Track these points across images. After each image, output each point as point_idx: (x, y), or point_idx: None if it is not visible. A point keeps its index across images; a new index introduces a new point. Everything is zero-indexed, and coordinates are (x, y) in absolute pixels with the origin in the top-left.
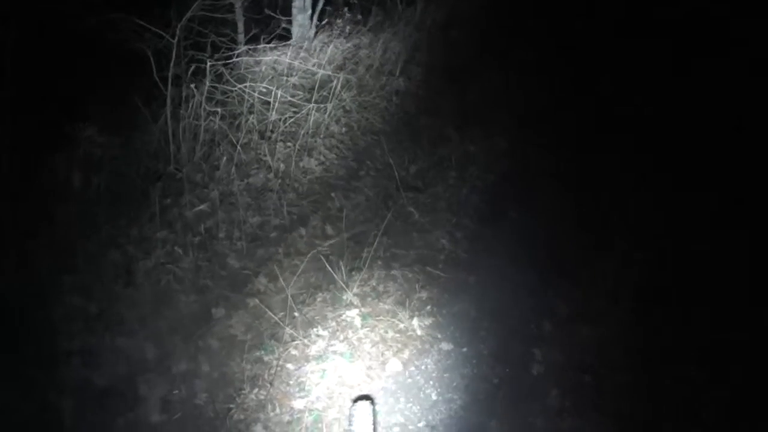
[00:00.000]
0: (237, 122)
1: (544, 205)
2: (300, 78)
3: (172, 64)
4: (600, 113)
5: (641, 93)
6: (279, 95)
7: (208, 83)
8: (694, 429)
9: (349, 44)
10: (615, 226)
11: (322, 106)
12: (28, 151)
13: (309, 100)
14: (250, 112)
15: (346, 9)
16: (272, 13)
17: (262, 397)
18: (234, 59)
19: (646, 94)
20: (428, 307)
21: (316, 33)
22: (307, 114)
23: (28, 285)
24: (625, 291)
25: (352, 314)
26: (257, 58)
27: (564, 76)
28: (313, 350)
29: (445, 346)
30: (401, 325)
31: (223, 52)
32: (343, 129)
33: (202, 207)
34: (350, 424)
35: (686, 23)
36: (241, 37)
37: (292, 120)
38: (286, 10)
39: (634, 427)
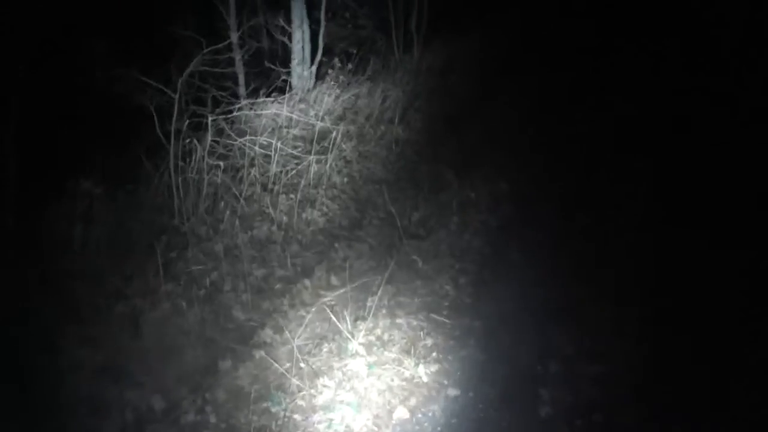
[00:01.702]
0: (239, 175)
1: (546, 246)
2: (300, 129)
3: (174, 119)
4: (602, 154)
5: (644, 130)
6: (279, 147)
7: (210, 138)
8: None
9: (348, 94)
10: (618, 265)
11: (322, 157)
12: (33, 205)
13: (310, 152)
14: (252, 165)
15: (343, 60)
16: (272, 66)
17: None
18: (235, 113)
19: (649, 133)
20: (434, 354)
21: (315, 84)
22: (309, 165)
23: (35, 336)
24: (631, 328)
25: (358, 363)
26: (258, 112)
27: (564, 116)
28: (320, 400)
29: (452, 391)
30: (407, 373)
31: (224, 106)
32: (345, 179)
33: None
34: None
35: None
36: (242, 90)
37: (293, 172)
38: (286, 62)
39: None
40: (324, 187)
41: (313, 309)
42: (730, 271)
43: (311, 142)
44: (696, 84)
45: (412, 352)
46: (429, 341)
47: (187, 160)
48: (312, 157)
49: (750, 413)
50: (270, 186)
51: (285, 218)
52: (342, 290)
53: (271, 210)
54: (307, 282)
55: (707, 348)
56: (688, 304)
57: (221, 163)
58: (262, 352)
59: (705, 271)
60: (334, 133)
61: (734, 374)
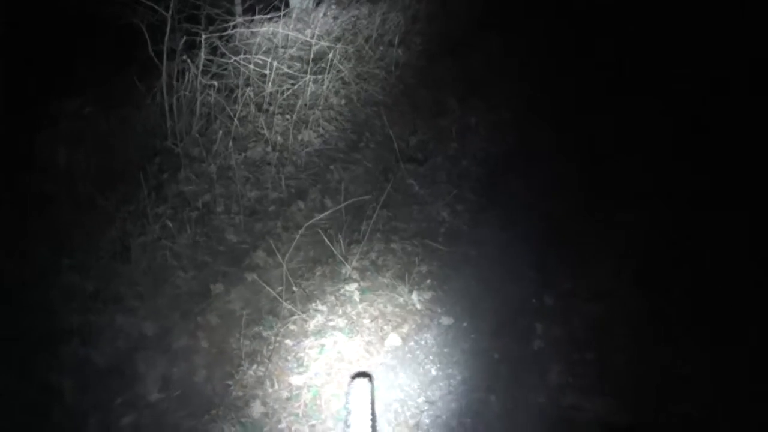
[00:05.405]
0: (234, 95)
1: (546, 176)
2: (297, 49)
3: (166, 38)
4: (604, 81)
5: (646, 57)
6: (276, 67)
7: (203, 56)
8: (697, 408)
9: (347, 15)
10: (619, 199)
11: (319, 77)
12: (20, 129)
13: (306, 72)
14: (247, 85)
15: None
16: None
17: (260, 374)
18: (229, 31)
19: (652, 59)
20: (428, 281)
21: (314, 4)
22: (305, 86)
23: (25, 264)
24: (628, 266)
25: (351, 288)
26: (253, 30)
27: (567, 43)
28: (312, 325)
29: (445, 320)
30: (400, 300)
31: (218, 24)
32: (342, 101)
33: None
34: (347, 403)
35: None
36: (237, 9)
37: (289, 92)
38: None
39: (635, 405)
40: (321, 108)
41: (307, 232)
42: (733, 222)
43: (308, 62)
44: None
45: (406, 278)
46: (423, 268)
47: (180, 80)
48: (309, 77)
49: (750, 356)
50: (265, 106)
51: (280, 139)
52: (336, 213)
53: (265, 131)
54: (301, 204)
55: (706, 289)
56: (691, 243)
57: (215, 83)
58: (255, 276)
59: (707, 215)
60: (331, 54)
61: (732, 322)
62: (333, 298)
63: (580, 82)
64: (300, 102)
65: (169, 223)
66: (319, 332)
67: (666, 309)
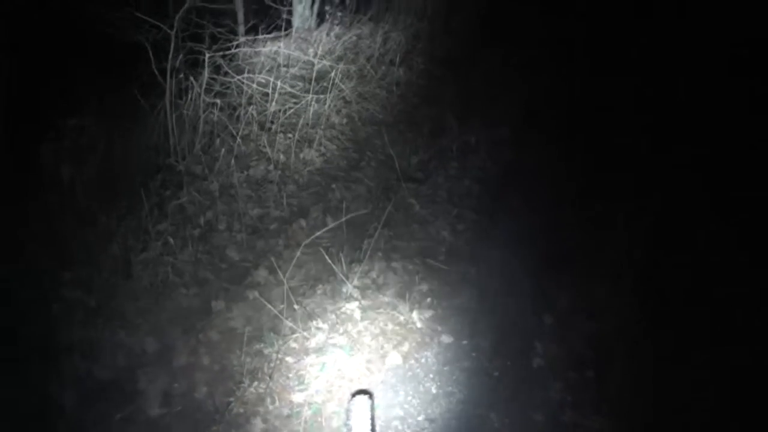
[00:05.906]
0: (236, 114)
1: (545, 195)
2: (300, 69)
3: (170, 56)
4: (602, 102)
5: (644, 75)
6: (278, 86)
7: (206, 75)
8: (696, 424)
9: (349, 34)
10: (618, 218)
11: (321, 96)
12: (24, 144)
13: (309, 91)
14: (250, 104)
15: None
16: (272, 3)
17: (261, 391)
18: (233, 50)
19: (651, 76)
20: (428, 300)
21: (316, 23)
22: (307, 105)
23: (27, 278)
24: (627, 284)
25: (352, 307)
26: (256, 49)
27: (565, 63)
28: (313, 343)
29: (446, 338)
30: (401, 318)
31: (222, 44)
32: (344, 120)
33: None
34: (348, 420)
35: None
36: (240, 28)
37: (291, 111)
38: (287, 0)
39: (635, 423)
40: (322, 127)
41: (308, 250)
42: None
43: (310, 82)
44: None
45: (407, 297)
46: (424, 287)
47: (184, 98)
48: (311, 96)
49: (747, 373)
50: (268, 125)
51: (282, 158)
52: (338, 232)
53: (268, 149)
54: (302, 222)
55: (704, 308)
56: (689, 263)
57: (218, 101)
58: (256, 293)
59: (711, 225)
60: (333, 73)
61: (731, 334)
62: (334, 316)
63: (579, 92)
64: (302, 121)
65: (171, 240)
66: (320, 350)
67: (665, 320)
